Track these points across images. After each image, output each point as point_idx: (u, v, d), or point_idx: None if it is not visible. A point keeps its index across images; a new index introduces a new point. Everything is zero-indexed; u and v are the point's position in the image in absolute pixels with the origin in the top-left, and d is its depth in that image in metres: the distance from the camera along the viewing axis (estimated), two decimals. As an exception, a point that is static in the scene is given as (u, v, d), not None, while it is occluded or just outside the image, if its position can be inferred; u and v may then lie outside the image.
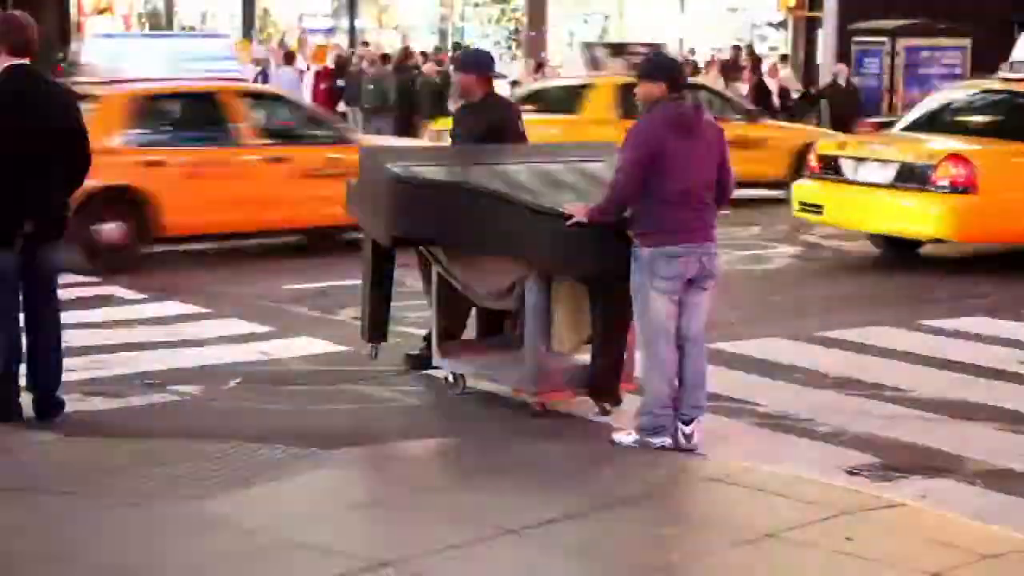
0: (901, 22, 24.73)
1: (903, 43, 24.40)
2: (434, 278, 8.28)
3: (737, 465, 6.78)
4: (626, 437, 7.16)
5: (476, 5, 36.36)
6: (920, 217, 12.89)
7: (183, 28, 37.38)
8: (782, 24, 31.59)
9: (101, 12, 38.75)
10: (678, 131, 6.94)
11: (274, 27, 37.20)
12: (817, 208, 13.86)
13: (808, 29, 30.36)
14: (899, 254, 13.90)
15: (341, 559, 5.29)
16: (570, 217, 7.14)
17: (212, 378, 8.58)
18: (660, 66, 7.20)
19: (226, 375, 8.66)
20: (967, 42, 24.91)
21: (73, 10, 38.91)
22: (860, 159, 13.49)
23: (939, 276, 12.97)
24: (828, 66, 23.79)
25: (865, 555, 5.48)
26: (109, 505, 5.96)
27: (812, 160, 14.09)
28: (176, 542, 5.49)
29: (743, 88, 22.17)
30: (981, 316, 11.02)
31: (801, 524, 5.82)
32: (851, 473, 6.88)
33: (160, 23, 37.48)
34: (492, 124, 8.48)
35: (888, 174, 13.08)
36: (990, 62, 22.77)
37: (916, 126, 14.21)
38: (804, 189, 14.17)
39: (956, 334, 10.30)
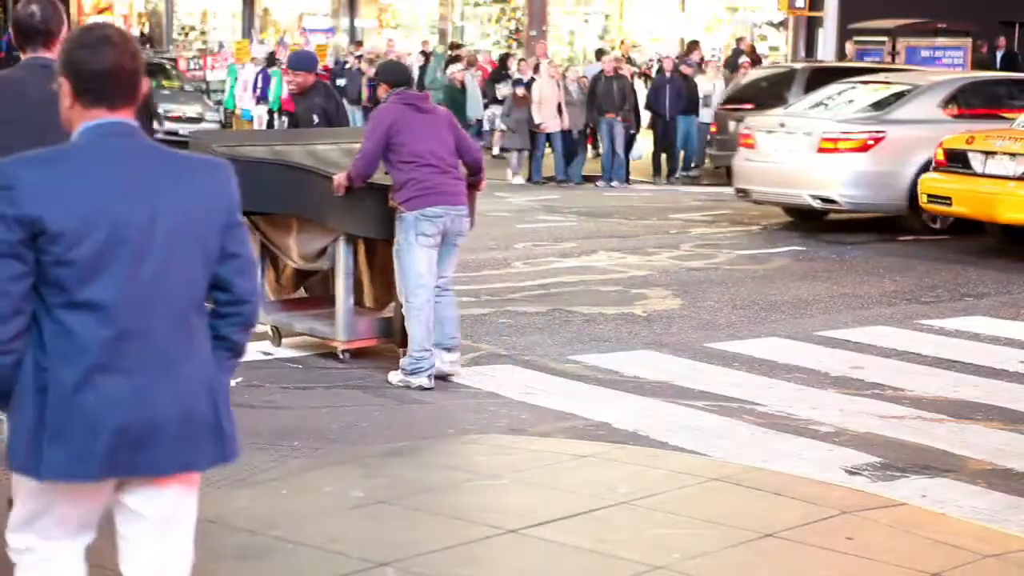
0: (901, 22, 24.74)
1: (903, 43, 24.41)
2: (257, 245, 9.22)
3: (737, 465, 6.79)
4: (393, 376, 8.47)
5: (476, 5, 36.35)
6: None
7: (183, 28, 37.41)
8: (782, 24, 31.58)
9: (101, 12, 38.78)
10: (411, 110, 8.41)
11: (274, 27, 37.19)
12: (945, 200, 14.44)
13: (808, 29, 30.35)
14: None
15: (341, 559, 5.30)
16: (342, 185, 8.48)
17: (212, 378, 8.57)
18: (389, 70, 8.96)
19: (226, 375, 8.65)
20: (967, 42, 24.91)
21: (73, 10, 38.94)
22: (989, 153, 14.06)
23: (939, 276, 12.97)
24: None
25: (865, 555, 5.48)
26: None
27: (938, 154, 14.60)
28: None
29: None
30: (981, 316, 11.03)
31: (801, 524, 5.82)
32: (851, 473, 6.88)
33: (160, 23, 37.49)
34: (326, 110, 10.06)
35: (1018, 167, 13.73)
36: (990, 62, 22.87)
37: None
38: (931, 182, 14.65)
39: (956, 334, 10.30)
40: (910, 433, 7.60)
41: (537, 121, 20.99)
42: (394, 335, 8.98)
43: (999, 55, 26.50)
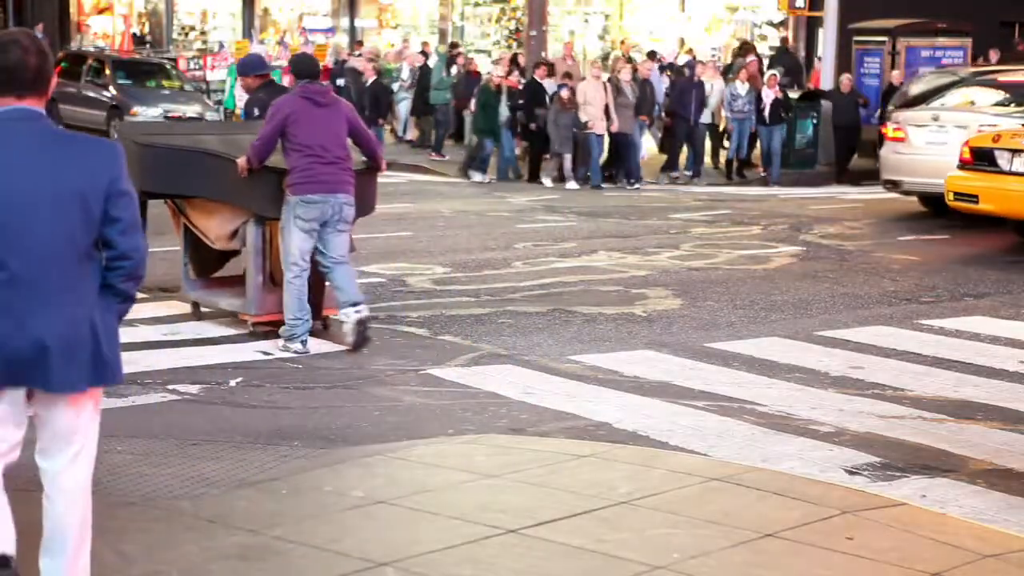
0: (901, 22, 24.72)
1: (903, 43, 24.41)
2: (182, 227, 10.19)
3: (737, 465, 6.79)
4: (276, 345, 9.32)
5: (476, 5, 36.35)
6: None
7: (183, 28, 37.39)
8: (782, 24, 31.58)
9: (101, 12, 38.76)
10: (309, 103, 9.19)
11: (274, 27, 37.18)
12: (972, 198, 14.68)
13: (808, 29, 30.35)
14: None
15: (341, 559, 5.30)
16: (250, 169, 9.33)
17: (212, 378, 8.59)
18: (298, 63, 9.89)
19: (226, 375, 8.67)
20: (967, 42, 24.91)
21: (73, 10, 38.92)
22: (1016, 151, 14.38)
23: (939, 276, 12.98)
24: (828, 65, 23.68)
25: (865, 555, 5.48)
26: (109, 505, 5.96)
27: (964, 152, 14.89)
28: (176, 542, 5.49)
29: (742, 88, 21.98)
30: (981, 316, 11.03)
31: (801, 524, 5.82)
32: (851, 473, 6.88)
33: (160, 23, 37.47)
34: (267, 104, 10.19)
35: None
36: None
37: None
38: (957, 180, 14.90)
39: (956, 334, 10.31)
40: (910, 433, 7.60)
41: (584, 119, 20.52)
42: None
43: None
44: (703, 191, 20.81)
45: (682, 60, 27.27)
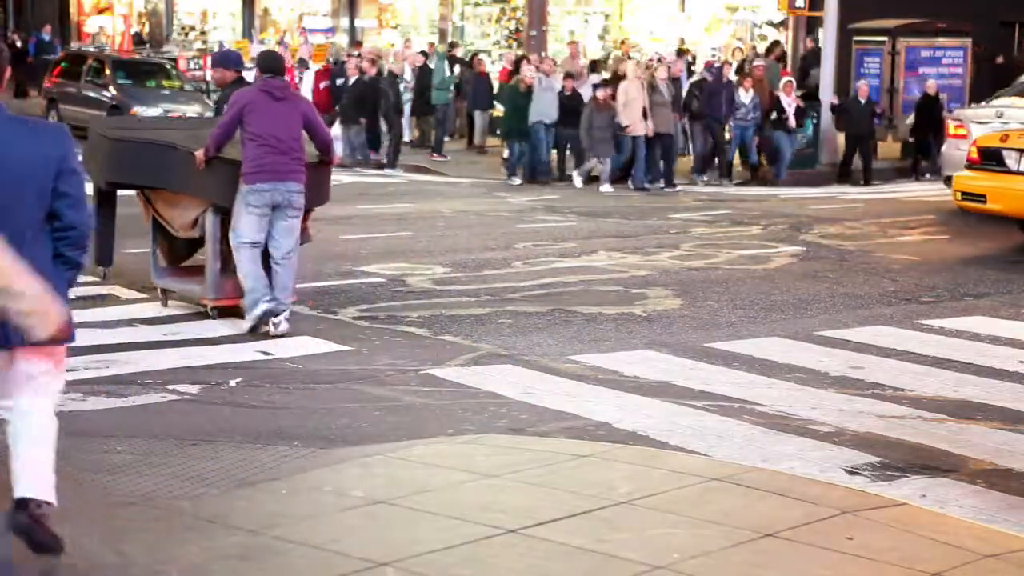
0: (901, 22, 24.72)
1: (903, 43, 24.40)
2: (151, 217, 10.82)
3: (737, 465, 6.79)
4: (245, 325, 9.83)
5: (476, 5, 36.34)
6: None
7: (183, 28, 37.38)
8: (782, 24, 31.56)
9: (101, 12, 38.78)
10: (267, 96, 9.79)
11: (274, 27, 37.18)
12: (980, 197, 14.72)
13: (808, 29, 30.33)
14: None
15: (341, 559, 5.30)
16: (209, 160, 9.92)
17: (212, 378, 8.59)
18: (262, 58, 10.56)
19: (226, 375, 8.67)
20: (968, 42, 24.90)
21: (73, 10, 38.94)
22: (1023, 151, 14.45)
23: (939, 276, 12.98)
24: (828, 65, 23.63)
25: (865, 555, 5.48)
26: (109, 505, 5.96)
27: (972, 152, 14.98)
28: (176, 542, 5.49)
29: (746, 96, 21.72)
30: (981, 316, 11.03)
31: (801, 524, 5.82)
32: (851, 473, 6.88)
33: (160, 23, 37.47)
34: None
35: None
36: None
37: None
38: (965, 180, 14.98)
39: (956, 334, 10.31)
40: (910, 433, 7.60)
41: (624, 124, 20.13)
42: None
43: None
44: (704, 191, 20.80)
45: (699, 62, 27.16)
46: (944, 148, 18.40)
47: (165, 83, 26.56)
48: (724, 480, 6.42)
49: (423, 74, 25.33)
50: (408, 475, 6.43)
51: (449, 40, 32.32)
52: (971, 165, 14.96)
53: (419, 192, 19.79)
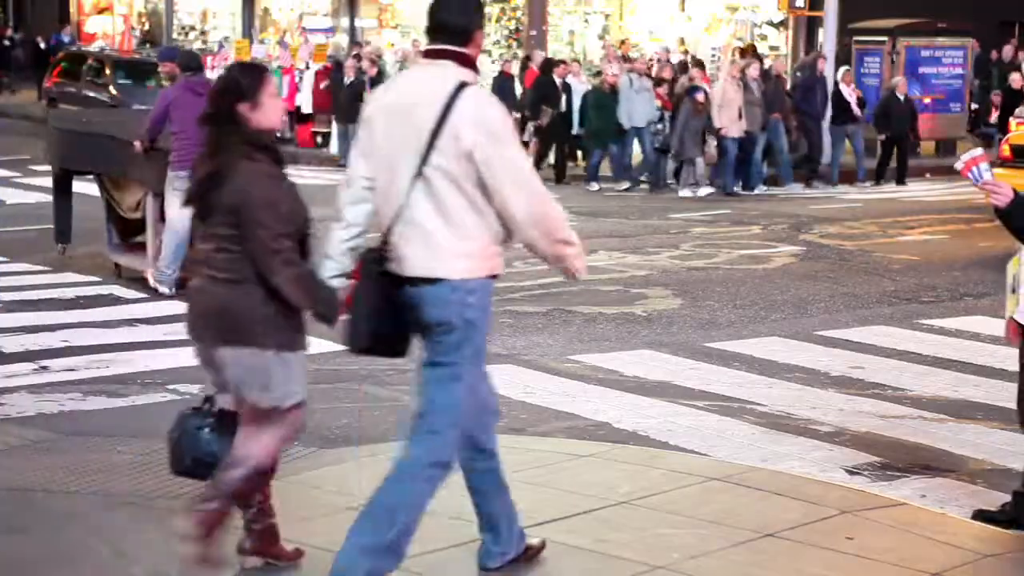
0: (901, 22, 24.70)
1: (903, 43, 24.39)
2: (104, 199, 12.28)
3: (737, 465, 6.79)
4: (151, 280, 11.16)
5: (476, 4, 36.32)
6: None
7: (183, 28, 37.38)
8: (782, 24, 31.56)
9: (101, 12, 38.76)
10: (190, 93, 10.70)
11: (274, 27, 37.15)
12: None
13: (808, 29, 30.33)
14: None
15: (341, 559, 5.29)
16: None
17: (212, 378, 8.57)
18: (183, 56, 12.03)
19: (226, 375, 8.65)
20: (967, 42, 24.89)
21: (73, 10, 38.92)
22: None
23: (939, 276, 12.97)
24: (828, 65, 23.60)
25: (865, 555, 5.49)
26: (110, 505, 5.96)
27: (1004, 150, 15.09)
28: (176, 542, 5.48)
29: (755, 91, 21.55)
30: (981, 316, 11.03)
31: (801, 524, 5.82)
32: (851, 473, 6.88)
33: (160, 23, 37.46)
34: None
35: None
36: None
37: None
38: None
39: (956, 334, 10.31)
40: (910, 433, 7.60)
41: (718, 125, 19.44)
42: None
43: None
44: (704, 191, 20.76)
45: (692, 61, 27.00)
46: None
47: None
48: (724, 480, 6.42)
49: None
50: (408, 475, 6.42)
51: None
52: (1004, 163, 14.96)
53: (419, 192, 19.72)
